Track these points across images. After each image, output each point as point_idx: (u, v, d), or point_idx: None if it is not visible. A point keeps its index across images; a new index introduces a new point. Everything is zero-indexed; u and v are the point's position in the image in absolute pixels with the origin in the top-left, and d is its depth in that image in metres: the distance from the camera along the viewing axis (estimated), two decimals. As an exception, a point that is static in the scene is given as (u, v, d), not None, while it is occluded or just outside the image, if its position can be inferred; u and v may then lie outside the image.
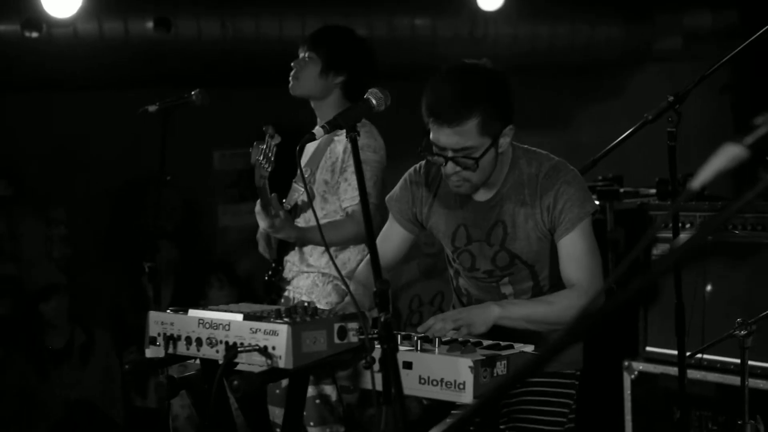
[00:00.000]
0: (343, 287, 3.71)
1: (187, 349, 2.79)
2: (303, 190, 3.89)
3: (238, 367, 2.67)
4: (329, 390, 3.69)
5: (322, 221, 3.75)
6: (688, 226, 4.25)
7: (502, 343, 2.81)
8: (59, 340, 5.95)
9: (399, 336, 2.73)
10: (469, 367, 2.55)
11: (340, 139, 3.77)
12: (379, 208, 3.67)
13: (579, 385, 3.20)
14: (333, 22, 4.27)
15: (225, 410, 2.95)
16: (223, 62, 6.50)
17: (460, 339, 2.83)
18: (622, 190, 5.00)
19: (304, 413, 3.16)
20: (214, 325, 2.73)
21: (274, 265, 3.96)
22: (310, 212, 3.81)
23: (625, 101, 7.67)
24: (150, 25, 6.12)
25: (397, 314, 5.42)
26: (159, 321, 2.86)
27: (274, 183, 3.68)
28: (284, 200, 3.86)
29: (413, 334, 2.82)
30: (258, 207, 3.73)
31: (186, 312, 2.84)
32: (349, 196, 3.76)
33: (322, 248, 3.77)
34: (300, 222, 3.87)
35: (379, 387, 2.51)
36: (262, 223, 3.75)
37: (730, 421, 4.08)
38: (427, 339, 2.76)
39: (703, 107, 5.18)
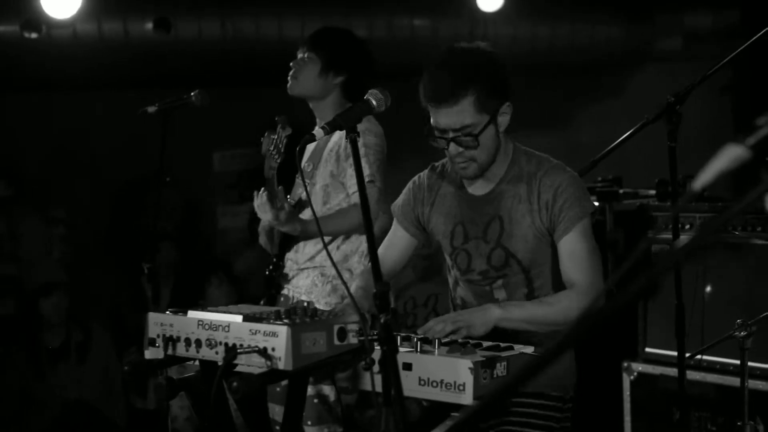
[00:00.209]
0: (343, 287, 3.71)
1: (187, 350, 2.78)
2: (308, 184, 3.89)
3: (238, 369, 2.67)
4: (328, 390, 3.69)
5: (326, 214, 3.76)
6: (687, 227, 4.25)
7: (502, 345, 2.80)
8: (56, 339, 5.94)
9: (399, 337, 2.73)
10: (469, 368, 2.55)
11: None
12: (382, 193, 3.69)
13: (571, 411, 3.11)
14: (333, 23, 4.28)
15: (224, 411, 2.95)
16: (223, 63, 6.51)
17: (459, 340, 2.83)
18: (621, 191, 5.00)
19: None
20: (213, 326, 2.72)
21: (275, 260, 3.96)
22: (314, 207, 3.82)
23: (625, 101, 7.66)
24: (150, 25, 6.12)
25: (396, 315, 5.41)
26: (158, 322, 2.86)
27: (279, 177, 3.69)
28: (288, 196, 3.86)
29: (413, 335, 2.82)
30: (258, 201, 3.72)
31: (185, 313, 2.84)
32: (355, 182, 3.75)
33: (327, 240, 3.77)
34: (305, 216, 3.87)
35: (378, 388, 2.51)
36: (265, 216, 3.74)
37: (729, 422, 4.08)
38: (426, 340, 2.76)
39: (703, 108, 5.17)
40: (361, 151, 3.19)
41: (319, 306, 3.67)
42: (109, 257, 7.23)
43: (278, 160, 3.61)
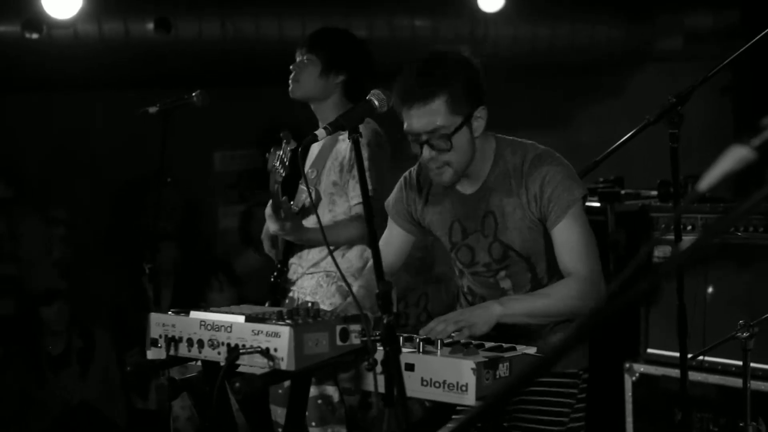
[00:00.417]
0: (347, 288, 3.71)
1: (189, 350, 2.78)
2: (310, 190, 3.89)
3: (240, 369, 2.66)
4: (331, 391, 3.70)
5: (329, 222, 3.77)
6: (689, 228, 4.25)
7: (505, 345, 2.80)
8: (59, 346, 5.93)
9: (401, 338, 2.72)
10: (472, 368, 2.54)
11: (345, 138, 3.78)
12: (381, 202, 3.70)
13: (585, 384, 3.19)
14: (333, 23, 4.27)
15: (226, 412, 2.94)
16: (223, 63, 6.50)
17: (462, 341, 2.83)
18: (623, 191, 4.99)
19: (306, 413, 3.16)
20: (215, 326, 2.72)
21: (279, 266, 3.97)
22: (318, 214, 3.82)
23: (626, 102, 7.66)
24: (150, 25, 6.12)
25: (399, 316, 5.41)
26: (160, 323, 2.86)
27: (284, 182, 3.70)
28: (292, 202, 3.87)
29: (415, 336, 2.82)
30: (268, 210, 3.73)
31: (187, 314, 2.84)
32: (357, 194, 3.76)
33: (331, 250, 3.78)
34: (308, 222, 3.87)
35: (381, 389, 2.51)
36: (273, 226, 3.75)
37: (731, 423, 4.08)
38: (429, 341, 2.76)
39: (705, 109, 5.17)
40: (365, 164, 3.19)
41: (324, 307, 3.68)
42: (109, 257, 7.22)
43: (283, 174, 3.62)
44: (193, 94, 3.90)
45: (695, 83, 3.26)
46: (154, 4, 6.22)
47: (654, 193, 4.80)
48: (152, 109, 3.92)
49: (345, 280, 2.81)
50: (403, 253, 3.30)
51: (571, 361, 3.12)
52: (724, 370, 4.11)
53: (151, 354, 2.88)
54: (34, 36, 5.81)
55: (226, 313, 2.79)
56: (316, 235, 3.72)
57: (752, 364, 3.43)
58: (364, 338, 2.64)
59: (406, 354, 2.64)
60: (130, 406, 6.18)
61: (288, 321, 2.65)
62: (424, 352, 2.68)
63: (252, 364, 2.61)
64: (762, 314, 3.45)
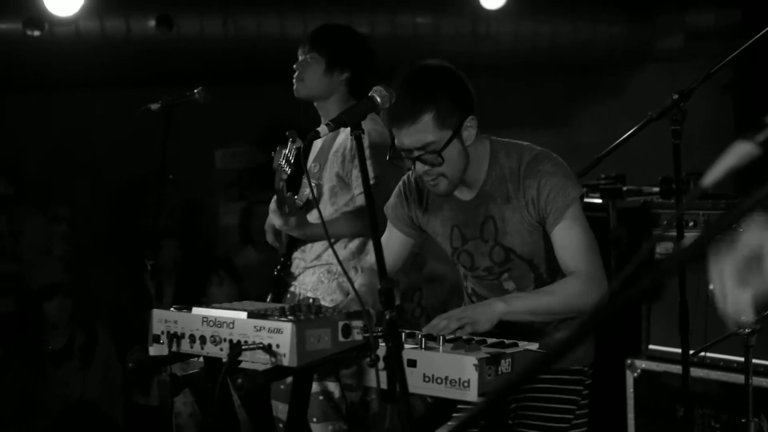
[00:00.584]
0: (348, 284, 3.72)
1: (191, 347, 2.78)
2: (313, 185, 3.90)
3: (242, 365, 2.66)
4: (333, 387, 3.70)
5: (332, 216, 3.78)
6: (691, 224, 4.25)
7: (507, 341, 2.80)
8: (60, 341, 5.94)
9: (403, 334, 2.72)
10: (474, 365, 2.54)
11: (345, 129, 3.78)
12: (387, 193, 3.71)
13: (590, 381, 3.19)
14: (335, 21, 4.27)
15: (228, 408, 2.95)
16: (225, 61, 6.51)
17: (464, 337, 2.83)
18: (624, 188, 4.99)
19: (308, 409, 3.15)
20: (218, 323, 2.72)
21: (282, 260, 3.98)
22: (321, 207, 3.83)
23: (626, 100, 7.66)
24: (152, 23, 6.12)
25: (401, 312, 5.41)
26: (162, 319, 2.86)
27: (288, 178, 3.71)
28: (296, 196, 3.88)
29: (417, 332, 2.82)
30: (273, 205, 3.74)
31: (190, 310, 2.84)
32: (360, 183, 3.76)
33: (333, 241, 3.79)
34: (312, 217, 3.88)
35: (383, 385, 2.51)
36: (277, 221, 3.76)
37: (733, 419, 4.08)
38: (431, 337, 2.76)
39: (706, 106, 5.17)
40: (366, 152, 3.19)
41: (325, 303, 3.68)
42: (110, 256, 7.23)
43: (288, 172, 3.63)
44: (195, 91, 3.91)
45: (697, 80, 3.27)
46: (155, 1, 6.23)
47: (656, 189, 4.80)
48: (154, 106, 3.93)
49: (346, 274, 2.81)
50: (402, 256, 3.32)
51: (577, 358, 3.12)
52: (726, 366, 4.11)
53: (154, 350, 2.88)
54: (36, 34, 5.81)
55: (229, 309, 2.79)
56: (319, 229, 3.73)
57: (754, 361, 3.43)
58: (366, 334, 2.64)
59: (408, 350, 2.64)
60: (131, 403, 6.19)
61: (290, 317, 2.65)
62: (427, 348, 2.68)
63: (254, 361, 2.61)
64: (764, 310, 3.45)
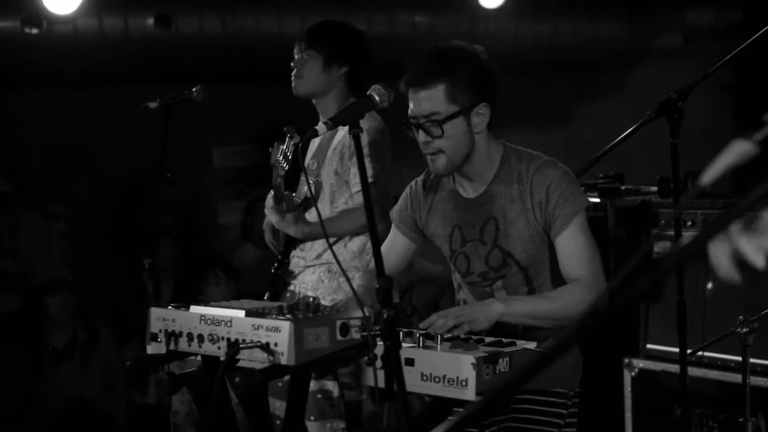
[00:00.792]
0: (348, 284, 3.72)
1: (189, 345, 2.78)
2: (311, 182, 3.89)
3: (240, 364, 2.66)
4: (331, 385, 3.70)
5: (331, 214, 3.77)
6: (689, 223, 4.25)
7: (505, 340, 2.80)
8: (62, 339, 5.93)
9: (401, 333, 2.72)
10: (472, 363, 2.54)
11: (344, 127, 3.78)
12: (386, 191, 3.70)
13: (576, 408, 3.12)
14: (333, 19, 4.26)
15: (226, 406, 2.94)
16: (224, 59, 6.50)
17: (462, 336, 2.83)
18: (623, 187, 4.99)
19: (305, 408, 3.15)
20: (215, 321, 2.72)
21: (280, 257, 3.97)
22: (319, 205, 3.83)
23: (626, 99, 7.65)
24: (150, 21, 6.11)
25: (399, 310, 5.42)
26: (160, 317, 2.85)
27: (286, 175, 3.71)
28: (294, 194, 3.88)
29: (415, 330, 2.82)
30: (270, 202, 3.74)
31: (187, 308, 2.84)
32: (359, 181, 3.76)
33: (333, 241, 3.78)
34: (310, 216, 3.87)
35: (381, 384, 2.51)
36: (273, 218, 3.76)
37: (730, 418, 4.08)
38: (429, 335, 2.76)
39: (705, 106, 5.17)
40: (365, 150, 3.20)
41: (325, 302, 3.68)
42: (109, 254, 7.22)
43: (285, 168, 3.62)
44: (194, 89, 3.91)
45: (696, 79, 3.27)
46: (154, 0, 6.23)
47: (654, 188, 4.81)
48: (153, 105, 3.94)
49: (345, 274, 2.81)
50: (404, 260, 3.33)
51: (561, 380, 3.08)
52: (724, 365, 4.12)
53: (151, 349, 2.88)
54: (34, 31, 5.81)
55: (226, 307, 2.79)
56: (317, 228, 3.72)
57: (752, 360, 3.44)
58: (364, 333, 2.64)
59: (406, 349, 2.64)
60: (129, 401, 6.18)
61: (288, 316, 2.65)
62: (424, 347, 2.68)
63: (252, 359, 2.60)
64: (761, 310, 3.45)
